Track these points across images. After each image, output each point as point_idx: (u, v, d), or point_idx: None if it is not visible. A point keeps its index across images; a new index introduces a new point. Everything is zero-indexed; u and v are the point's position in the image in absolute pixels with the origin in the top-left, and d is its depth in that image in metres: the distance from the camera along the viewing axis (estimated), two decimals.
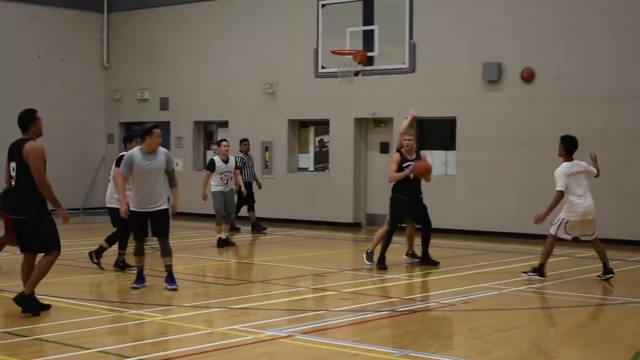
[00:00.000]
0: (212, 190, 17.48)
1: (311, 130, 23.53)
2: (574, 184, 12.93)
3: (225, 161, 17.53)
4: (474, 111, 20.19)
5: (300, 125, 23.68)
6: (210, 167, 17.56)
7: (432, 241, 14.87)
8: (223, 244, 17.26)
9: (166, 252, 12.21)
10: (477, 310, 10.73)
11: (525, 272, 13.30)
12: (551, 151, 18.89)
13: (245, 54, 24.04)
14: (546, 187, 18.96)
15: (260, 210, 20.79)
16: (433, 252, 14.83)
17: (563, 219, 13.06)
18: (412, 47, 20.90)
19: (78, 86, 26.50)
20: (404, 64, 21.06)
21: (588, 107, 18.75)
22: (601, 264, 13.23)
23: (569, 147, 13.18)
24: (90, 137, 26.73)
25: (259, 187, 20.51)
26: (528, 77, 19.48)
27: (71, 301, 10.87)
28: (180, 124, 25.41)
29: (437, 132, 21.64)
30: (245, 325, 9.59)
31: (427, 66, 20.69)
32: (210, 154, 24.96)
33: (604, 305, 11.63)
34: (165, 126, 24.04)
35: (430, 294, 12.70)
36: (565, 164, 13.07)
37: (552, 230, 13.19)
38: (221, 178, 17.45)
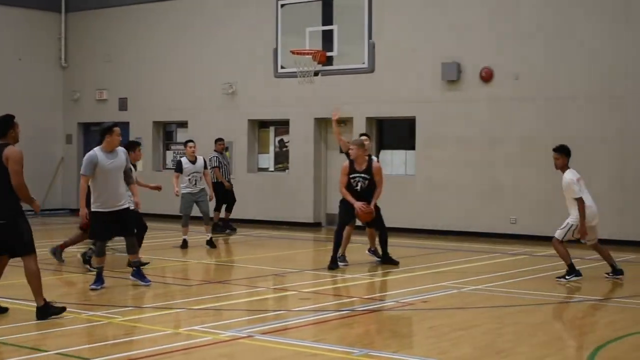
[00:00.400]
0: (182, 192, 17.38)
1: (271, 130, 23.51)
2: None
3: (193, 162, 17.37)
4: (433, 111, 20.30)
5: (260, 125, 23.66)
6: (178, 168, 17.40)
7: (392, 240, 14.91)
8: (210, 243, 17.39)
9: (133, 250, 12.39)
10: (436, 309, 10.79)
11: (559, 278, 13.08)
12: (509, 150, 19.23)
13: (205, 54, 23.98)
14: (504, 186, 19.29)
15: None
16: (393, 252, 14.87)
17: (572, 225, 13.01)
18: (372, 47, 20.89)
19: (36, 86, 26.28)
20: (364, 63, 21.01)
21: (546, 107, 18.92)
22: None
23: (568, 155, 13.18)
24: (48, 138, 26.50)
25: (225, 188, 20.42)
26: (487, 76, 19.62)
27: (29, 303, 10.75)
28: (140, 125, 25.26)
29: (396, 132, 21.73)
30: (205, 326, 9.57)
31: (386, 66, 20.73)
32: (169, 154, 24.88)
33: (562, 303, 11.74)
34: (124, 127, 23.86)
35: (389, 293, 12.74)
36: (571, 171, 13.07)
37: (558, 236, 13.11)
38: (189, 179, 17.30)
